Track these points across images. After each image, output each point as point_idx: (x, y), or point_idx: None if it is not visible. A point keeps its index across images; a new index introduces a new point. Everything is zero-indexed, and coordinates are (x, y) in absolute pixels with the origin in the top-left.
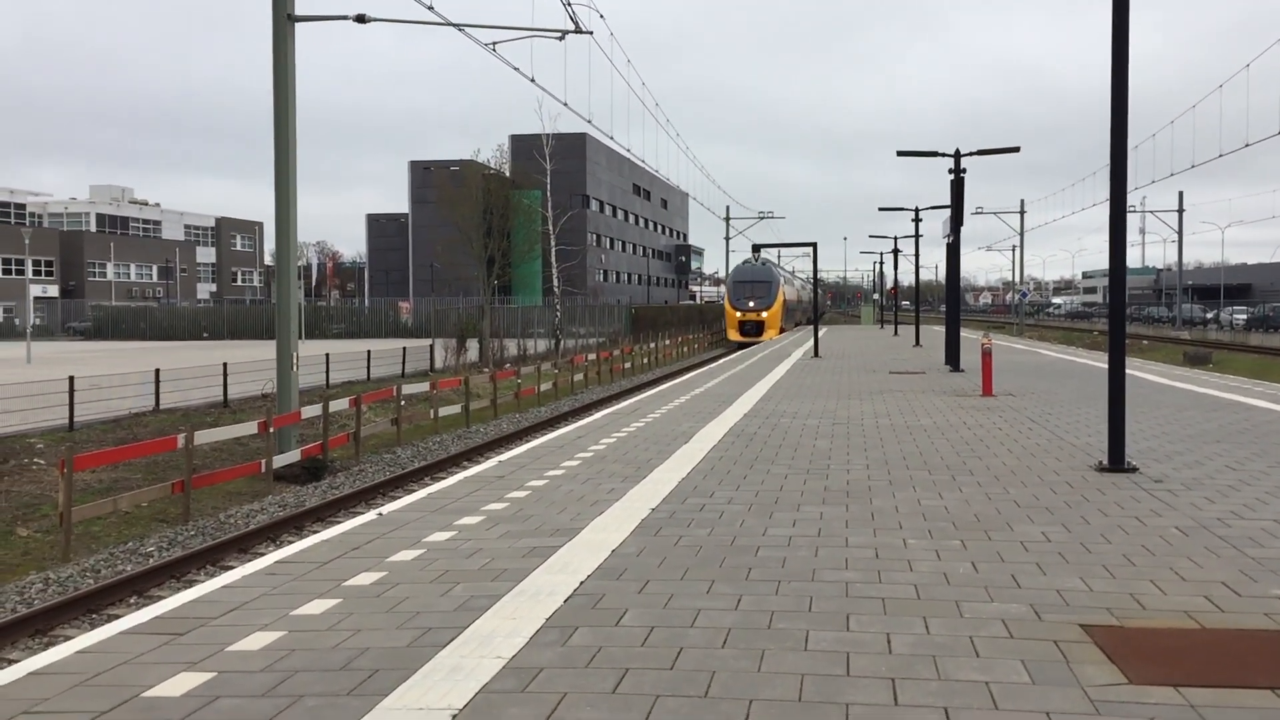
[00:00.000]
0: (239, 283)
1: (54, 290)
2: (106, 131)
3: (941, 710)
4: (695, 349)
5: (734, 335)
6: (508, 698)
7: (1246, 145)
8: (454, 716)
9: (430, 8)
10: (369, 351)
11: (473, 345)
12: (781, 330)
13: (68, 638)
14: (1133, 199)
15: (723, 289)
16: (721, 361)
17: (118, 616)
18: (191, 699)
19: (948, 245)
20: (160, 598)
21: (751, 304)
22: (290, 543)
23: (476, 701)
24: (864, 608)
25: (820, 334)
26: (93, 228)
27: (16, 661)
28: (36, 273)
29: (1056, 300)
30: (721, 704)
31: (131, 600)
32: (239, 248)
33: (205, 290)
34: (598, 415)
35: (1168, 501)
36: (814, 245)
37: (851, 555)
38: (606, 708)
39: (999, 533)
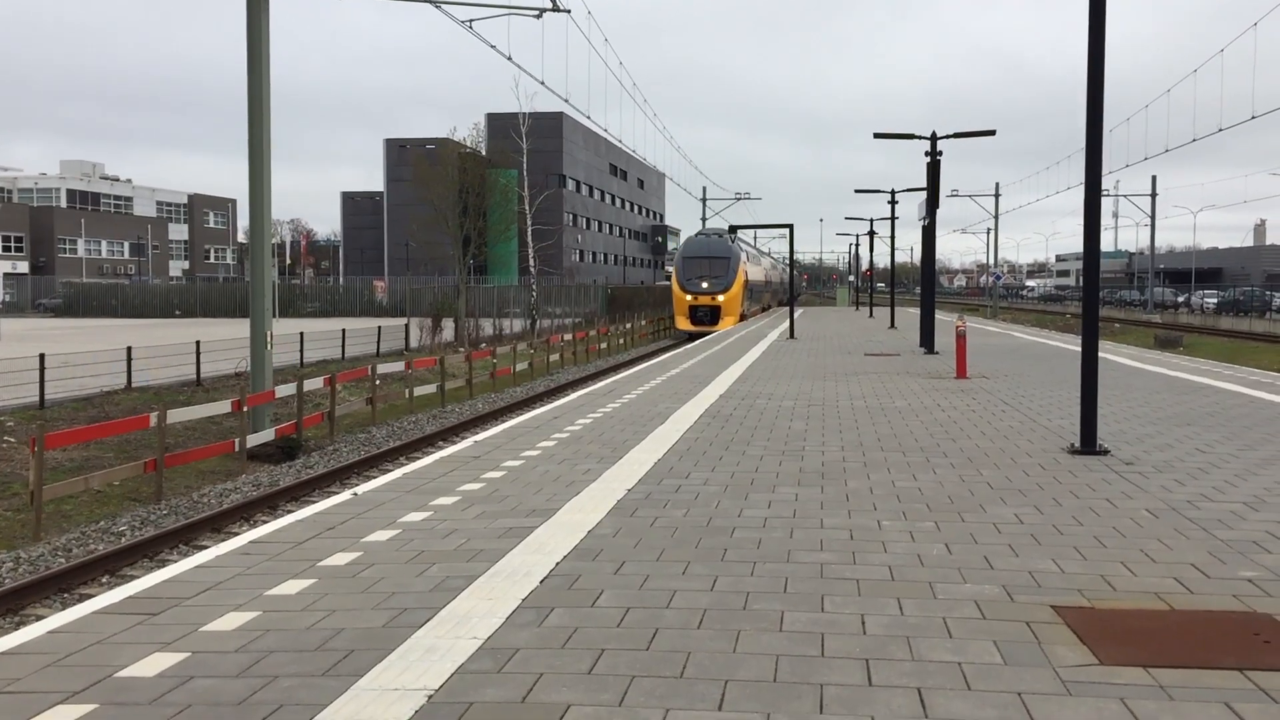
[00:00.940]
0: (212, 260)
1: (24, 266)
2: (79, 106)
3: (915, 690)
4: (671, 330)
5: (683, 324)
6: (484, 678)
7: (1220, 130)
8: (430, 697)
9: None
10: (344, 330)
11: (448, 325)
12: (742, 316)
13: (39, 617)
14: (1106, 183)
15: None
16: (698, 342)
17: (90, 596)
18: (165, 679)
19: (923, 228)
20: (133, 577)
21: (705, 285)
22: (264, 522)
23: (452, 682)
24: (838, 589)
25: (795, 315)
26: (63, 203)
27: None
28: (6, 249)
29: (1030, 283)
30: (697, 684)
31: (104, 580)
32: (212, 225)
33: (178, 267)
34: (573, 396)
35: (1138, 484)
36: (790, 227)
37: (826, 537)
38: (583, 688)
39: (972, 514)
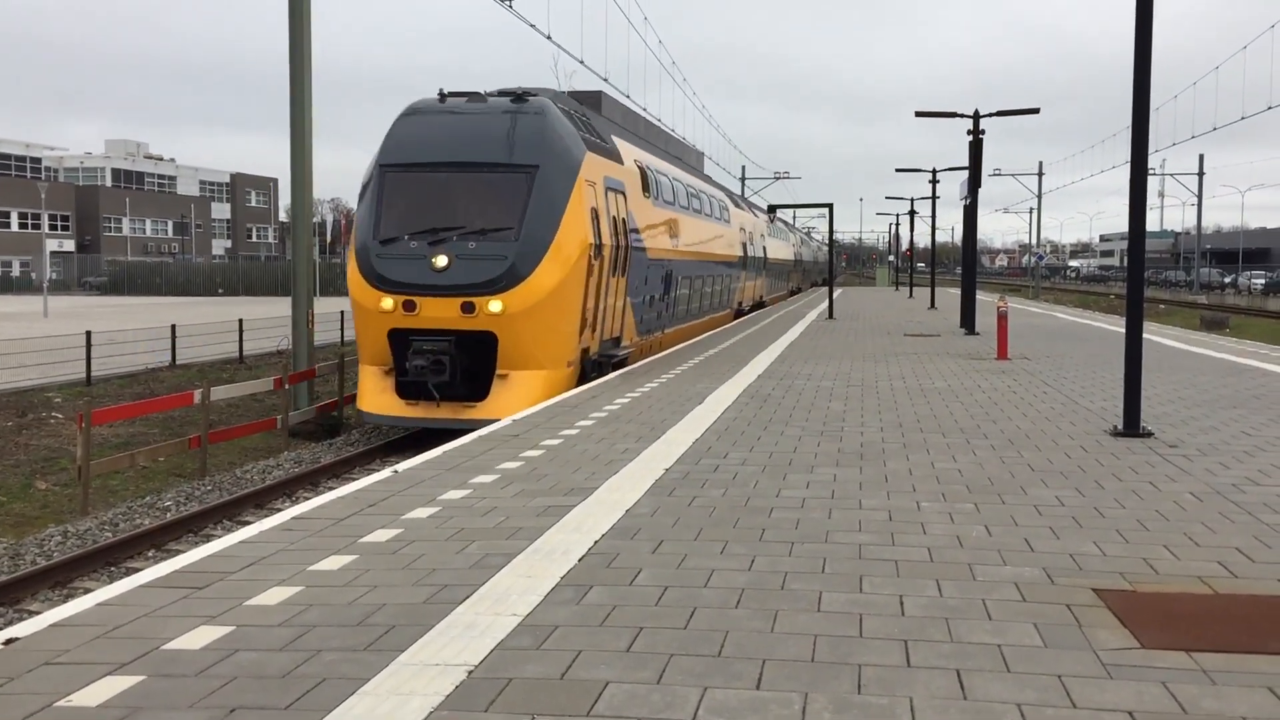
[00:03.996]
0: (254, 239)
1: (70, 245)
2: (130, 85)
3: (953, 672)
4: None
5: (373, 392)
6: (523, 654)
7: (1269, 108)
8: (470, 672)
9: None
10: None
11: None
12: (617, 359)
13: (87, 590)
14: (1153, 161)
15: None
16: (737, 323)
17: (136, 570)
18: (211, 652)
19: (965, 207)
20: (178, 552)
21: (442, 262)
22: (306, 499)
23: (492, 658)
24: (877, 570)
25: (834, 295)
26: (108, 182)
27: (37, 613)
28: (53, 227)
29: (1073, 263)
30: (734, 663)
31: (150, 554)
32: (254, 204)
33: (220, 246)
34: (611, 375)
35: (1182, 467)
36: (830, 206)
37: (865, 517)
38: (621, 666)
39: (1012, 496)
